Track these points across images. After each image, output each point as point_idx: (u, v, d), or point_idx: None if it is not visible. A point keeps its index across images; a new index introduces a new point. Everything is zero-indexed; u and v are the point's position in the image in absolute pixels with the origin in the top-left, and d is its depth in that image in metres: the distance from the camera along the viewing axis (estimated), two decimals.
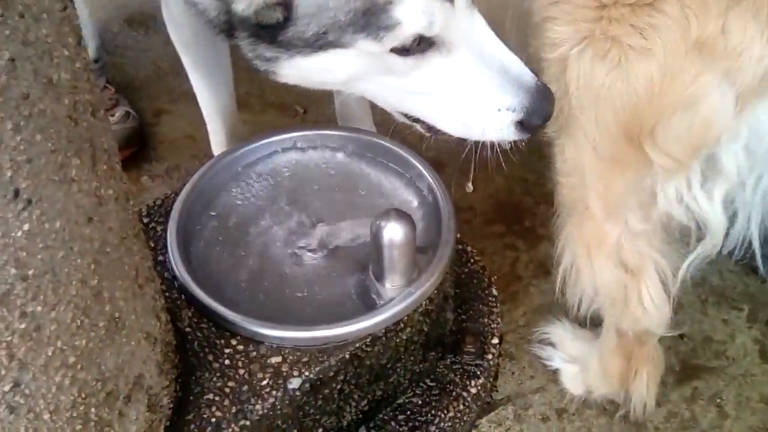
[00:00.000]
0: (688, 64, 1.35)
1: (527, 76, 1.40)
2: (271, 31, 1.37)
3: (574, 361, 1.94)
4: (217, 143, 2.18)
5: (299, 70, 1.44)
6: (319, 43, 1.36)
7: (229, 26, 1.45)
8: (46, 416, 1.26)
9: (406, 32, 1.32)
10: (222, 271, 1.77)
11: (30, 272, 1.11)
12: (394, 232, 1.64)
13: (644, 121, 1.41)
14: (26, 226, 1.07)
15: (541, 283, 2.17)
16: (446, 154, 2.25)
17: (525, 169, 2.39)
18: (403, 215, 1.66)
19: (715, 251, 1.60)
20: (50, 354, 1.20)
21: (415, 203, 1.88)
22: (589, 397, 1.92)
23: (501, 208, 2.35)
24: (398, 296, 1.68)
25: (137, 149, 2.52)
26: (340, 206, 1.86)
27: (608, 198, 1.55)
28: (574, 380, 1.94)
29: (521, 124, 1.44)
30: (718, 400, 1.93)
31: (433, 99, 1.45)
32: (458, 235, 1.93)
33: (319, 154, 1.96)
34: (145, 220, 1.84)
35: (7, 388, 1.18)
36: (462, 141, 1.54)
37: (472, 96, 1.40)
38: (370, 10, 1.30)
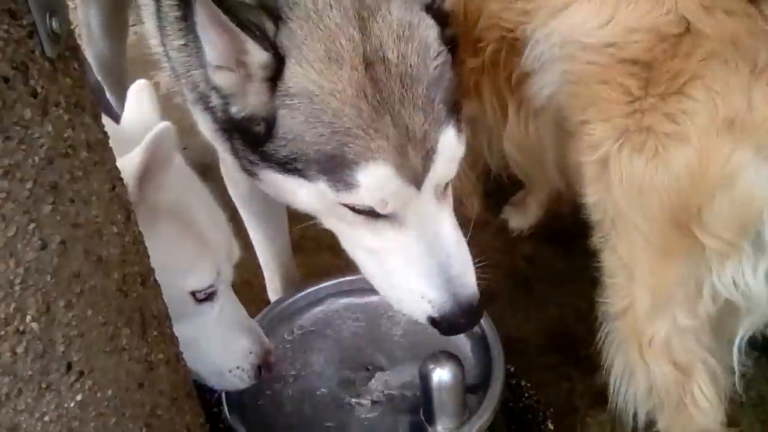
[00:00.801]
0: (721, 144, 1.39)
1: (467, 286, 1.39)
2: (255, 140, 1.41)
3: None
4: (274, 290, 2.23)
5: (272, 183, 1.48)
6: (288, 166, 1.39)
7: (228, 126, 1.50)
8: None
9: (360, 198, 1.35)
10: (276, 424, 1.78)
11: None
12: (443, 375, 1.66)
13: (689, 205, 1.44)
14: (79, 397, 1.12)
15: (598, 414, 2.14)
16: (496, 285, 2.26)
17: (578, 296, 2.39)
18: (451, 357, 1.68)
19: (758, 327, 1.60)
20: None
21: (465, 339, 1.89)
22: None
23: (554, 338, 2.35)
24: None
25: None
26: (394, 350, 1.87)
27: (658, 292, 1.56)
28: None
29: (433, 319, 1.43)
30: None
31: (372, 257, 1.46)
32: (511, 369, 1.93)
33: (365, 298, 1.98)
34: None
35: None
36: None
37: (404, 272, 1.41)
38: (338, 159, 1.32)
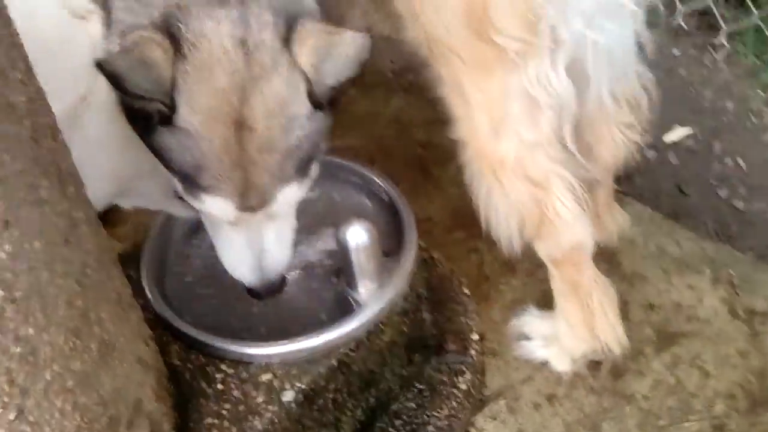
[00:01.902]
0: None
1: (271, 272, 1.65)
2: (136, 121, 1.53)
3: (551, 342, 1.98)
4: None
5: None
6: (154, 149, 1.53)
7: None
8: None
9: (201, 207, 1.56)
10: (198, 303, 1.81)
11: (17, 294, 1.13)
12: (358, 236, 1.70)
13: (475, 6, 1.47)
14: (7, 247, 1.10)
15: (510, 280, 2.20)
16: (396, 171, 2.30)
17: None
18: (364, 221, 1.72)
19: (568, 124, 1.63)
20: (48, 378, 1.22)
21: (376, 213, 1.93)
22: (576, 367, 1.96)
23: (458, 216, 2.39)
24: (374, 298, 1.73)
25: None
26: (306, 225, 1.90)
27: (492, 109, 1.59)
28: (557, 358, 1.97)
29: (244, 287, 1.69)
30: (699, 362, 1.98)
31: (213, 233, 1.68)
32: (422, 244, 1.98)
33: None
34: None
35: (12, 416, 1.19)
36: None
37: (230, 253, 1.67)
38: (191, 179, 1.50)
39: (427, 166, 2.54)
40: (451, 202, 2.43)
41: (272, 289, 1.68)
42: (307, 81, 1.47)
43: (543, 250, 1.81)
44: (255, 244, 1.62)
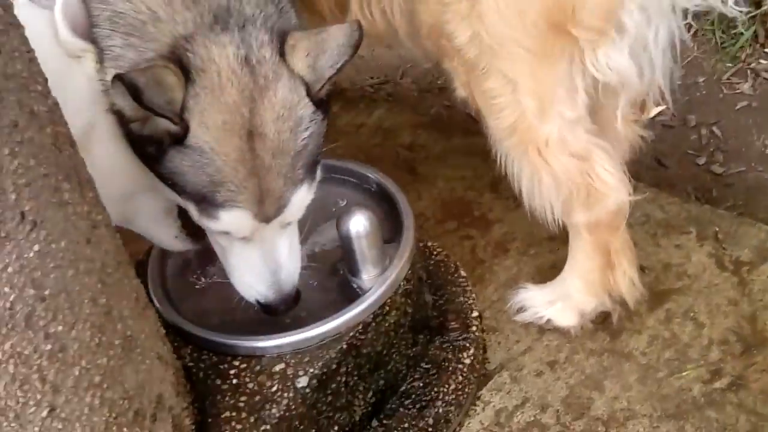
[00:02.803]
0: None
1: (286, 285, 1.72)
2: (143, 152, 1.61)
3: (554, 302, 2.07)
4: None
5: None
6: (164, 179, 1.61)
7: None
8: None
9: (218, 226, 1.62)
10: (203, 304, 1.89)
11: (46, 292, 1.20)
12: (360, 224, 1.77)
13: (565, 8, 1.63)
14: (36, 247, 1.17)
15: (503, 261, 2.29)
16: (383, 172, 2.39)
17: (460, 169, 2.57)
18: (364, 210, 1.80)
19: (634, 103, 1.84)
20: (77, 374, 1.29)
21: (371, 205, 2.00)
22: (583, 321, 2.06)
23: (448, 207, 2.48)
24: (377, 282, 1.80)
25: None
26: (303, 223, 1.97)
27: (543, 95, 1.74)
28: (563, 314, 2.06)
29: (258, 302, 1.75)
30: (692, 314, 2.07)
31: (224, 252, 1.73)
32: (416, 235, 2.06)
33: None
34: None
35: (44, 413, 1.27)
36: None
37: (244, 270, 1.72)
38: (208, 199, 1.57)
39: (413, 166, 2.63)
40: (440, 196, 2.52)
41: (289, 303, 1.74)
42: (306, 84, 1.57)
43: (583, 218, 1.93)
44: (269, 258, 1.69)
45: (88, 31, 1.55)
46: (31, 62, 1.19)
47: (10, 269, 1.15)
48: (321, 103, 1.61)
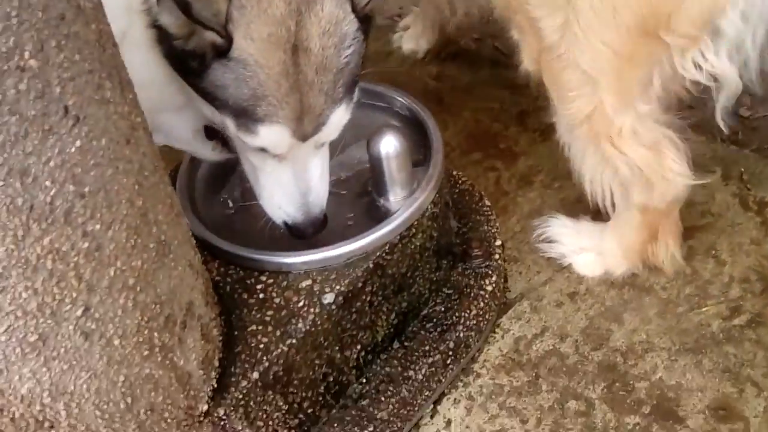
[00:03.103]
0: None
1: (316, 207, 1.73)
2: (185, 66, 1.60)
3: (586, 250, 2.09)
4: None
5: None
6: (205, 93, 1.61)
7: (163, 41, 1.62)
8: (116, 342, 1.37)
9: (255, 141, 1.62)
10: (231, 223, 1.90)
11: (86, 189, 1.21)
12: (389, 145, 1.78)
13: (660, 13, 1.63)
14: (78, 143, 1.18)
15: (526, 193, 2.30)
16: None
17: (487, 100, 2.57)
18: (393, 130, 1.80)
19: (734, 97, 1.81)
20: (112, 275, 1.31)
21: (402, 129, 2.00)
22: (608, 277, 2.07)
23: (473, 138, 2.48)
24: (405, 204, 1.81)
25: None
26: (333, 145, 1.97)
27: (624, 92, 1.76)
28: (590, 266, 2.08)
29: (286, 224, 1.76)
30: (713, 252, 2.09)
31: (255, 171, 1.73)
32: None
33: None
34: None
35: (79, 312, 1.28)
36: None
37: (274, 189, 1.73)
38: (248, 112, 1.57)
39: (440, 96, 2.63)
40: (466, 127, 2.52)
41: (317, 226, 1.75)
42: (351, 0, 1.57)
43: (640, 201, 1.93)
44: (301, 179, 1.70)
45: None
46: None
47: (51, 163, 1.15)
48: (365, 19, 1.60)
